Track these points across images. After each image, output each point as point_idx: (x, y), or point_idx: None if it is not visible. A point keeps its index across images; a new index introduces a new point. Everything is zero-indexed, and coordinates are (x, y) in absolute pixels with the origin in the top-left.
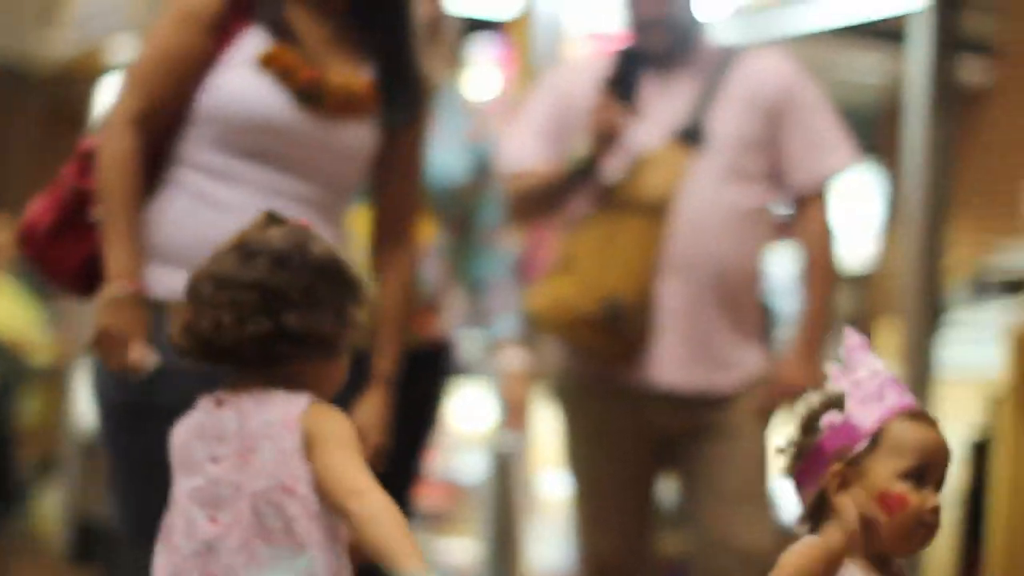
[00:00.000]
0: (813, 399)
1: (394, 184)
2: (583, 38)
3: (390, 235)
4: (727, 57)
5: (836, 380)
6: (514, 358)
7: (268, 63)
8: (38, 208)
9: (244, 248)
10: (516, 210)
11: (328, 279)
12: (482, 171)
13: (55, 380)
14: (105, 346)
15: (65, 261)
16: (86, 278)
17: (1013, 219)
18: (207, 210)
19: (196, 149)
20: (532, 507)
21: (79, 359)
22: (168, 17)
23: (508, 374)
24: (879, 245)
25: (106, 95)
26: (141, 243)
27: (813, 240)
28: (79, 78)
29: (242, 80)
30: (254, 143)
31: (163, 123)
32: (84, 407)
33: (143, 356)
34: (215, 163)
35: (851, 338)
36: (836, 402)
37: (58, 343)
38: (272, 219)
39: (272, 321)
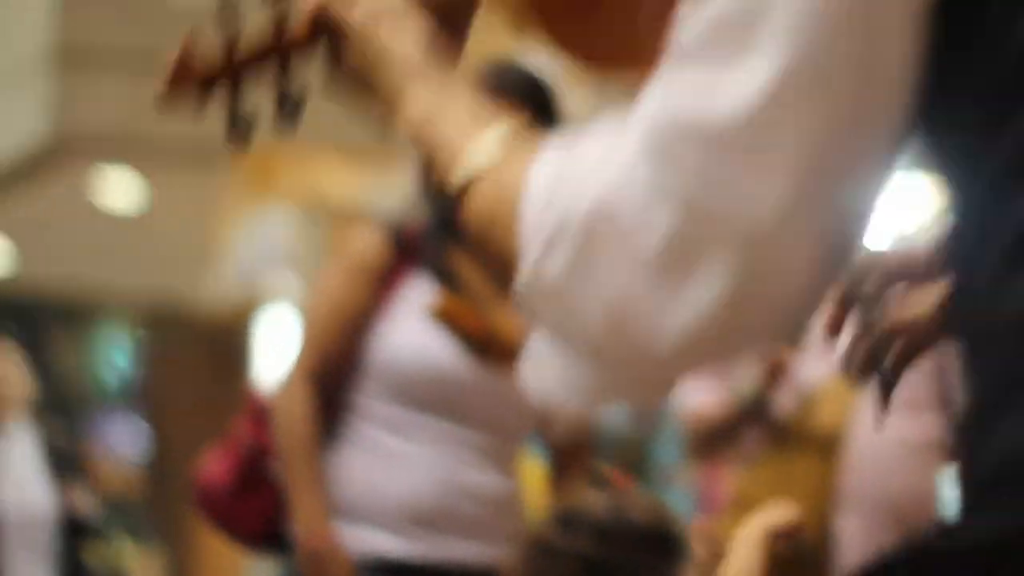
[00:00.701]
0: None
1: (565, 429)
2: None
3: (567, 480)
4: None
5: None
6: None
7: (438, 315)
8: (215, 467)
9: (567, 516)
10: (693, 448)
11: (650, 548)
12: (653, 410)
13: None
14: None
15: (246, 519)
16: (265, 534)
17: None
18: (384, 465)
19: (369, 400)
20: None
21: None
22: (338, 270)
23: None
24: None
25: (266, 334)
26: (327, 499)
27: None
28: (239, 318)
29: (413, 332)
30: (427, 395)
31: (335, 373)
32: None
33: None
34: (389, 415)
35: None
36: None
37: None
38: (595, 479)
39: None
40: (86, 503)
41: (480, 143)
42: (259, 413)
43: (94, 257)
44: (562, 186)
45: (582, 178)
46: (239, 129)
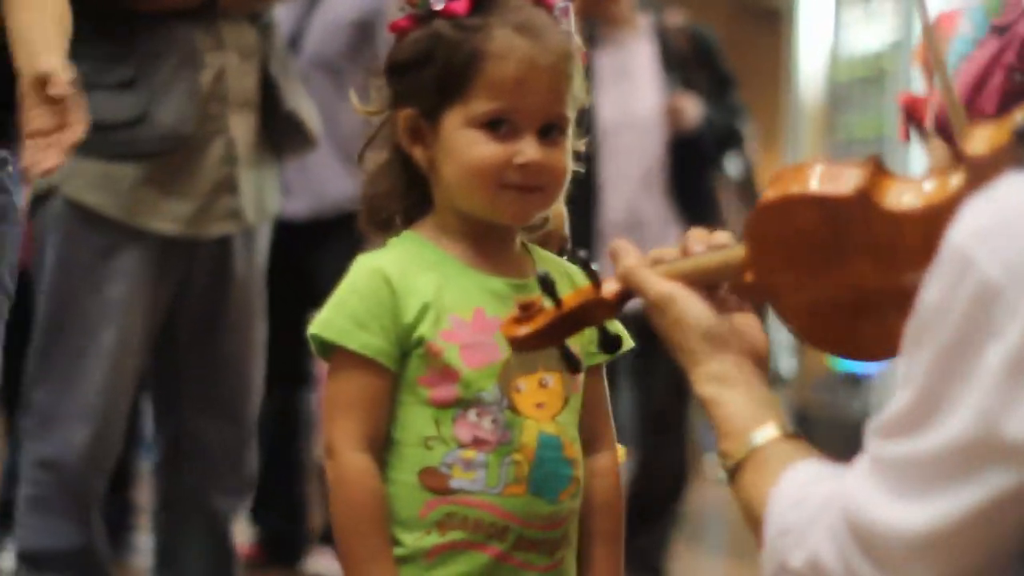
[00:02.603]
0: None
1: None
2: None
3: None
4: None
5: None
6: None
7: None
8: (967, 94)
9: None
10: None
11: None
12: None
13: None
14: None
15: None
16: None
17: None
18: None
19: None
20: None
21: None
22: None
23: None
24: None
25: None
26: None
27: None
28: None
29: None
30: None
31: None
32: None
33: None
34: None
35: None
36: None
37: None
38: None
39: None
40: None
41: (751, 437)
42: None
43: None
44: (789, 529)
45: (802, 530)
46: (571, 363)
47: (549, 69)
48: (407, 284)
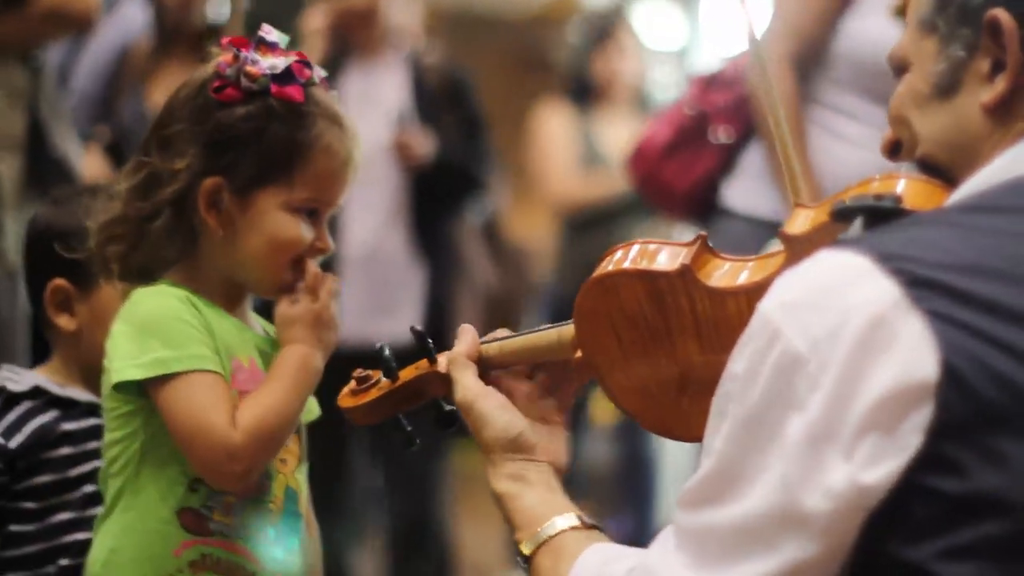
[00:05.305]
0: None
1: None
2: None
3: None
4: None
5: None
6: None
7: (900, 11)
8: (652, 129)
9: None
10: None
11: None
12: None
13: None
14: None
15: (676, 181)
16: (693, 201)
17: None
18: (838, 145)
19: (826, 88)
20: None
21: None
22: None
23: None
24: None
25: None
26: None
27: None
28: (549, 24)
29: (876, 27)
30: (882, 87)
31: (808, 58)
32: None
33: None
34: (843, 103)
35: None
36: None
37: None
38: None
39: None
40: None
41: (548, 525)
42: (708, 82)
43: None
44: None
45: None
46: (407, 440)
47: (355, 164)
48: (202, 317)
